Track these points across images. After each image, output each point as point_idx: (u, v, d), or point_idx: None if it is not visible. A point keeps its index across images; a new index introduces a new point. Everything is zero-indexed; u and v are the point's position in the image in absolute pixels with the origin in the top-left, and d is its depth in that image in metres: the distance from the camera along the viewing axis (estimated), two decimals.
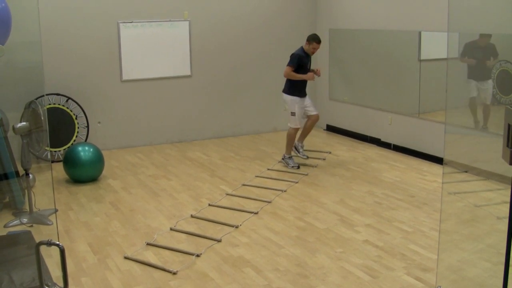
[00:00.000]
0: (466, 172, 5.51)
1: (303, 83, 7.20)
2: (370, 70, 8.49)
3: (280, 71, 9.27)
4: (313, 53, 7.17)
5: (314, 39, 7.08)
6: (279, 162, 7.42)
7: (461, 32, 5.18)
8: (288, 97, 7.19)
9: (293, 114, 7.15)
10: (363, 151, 8.08)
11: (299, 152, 7.39)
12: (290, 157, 7.26)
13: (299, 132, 7.44)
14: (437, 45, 7.42)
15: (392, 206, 5.80)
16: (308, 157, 7.39)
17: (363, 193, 6.23)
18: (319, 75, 7.27)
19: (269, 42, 9.11)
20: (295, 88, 7.18)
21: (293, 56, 7.11)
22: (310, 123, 7.41)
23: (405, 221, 5.36)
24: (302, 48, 7.18)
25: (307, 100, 7.32)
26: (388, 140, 8.18)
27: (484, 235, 4.69)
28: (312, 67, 7.37)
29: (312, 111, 7.34)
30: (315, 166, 7.27)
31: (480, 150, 5.66)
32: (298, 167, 7.13)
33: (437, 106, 7.52)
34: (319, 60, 9.42)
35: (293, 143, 7.29)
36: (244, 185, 6.54)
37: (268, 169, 7.17)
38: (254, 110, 9.23)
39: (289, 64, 7.10)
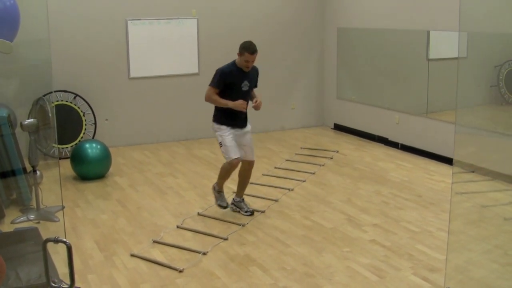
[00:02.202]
0: (473, 172, 5.48)
1: (237, 111, 5.33)
2: (378, 69, 8.46)
3: (288, 70, 9.33)
4: (247, 67, 5.28)
5: (246, 49, 5.19)
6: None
7: (471, 31, 5.15)
8: (214, 126, 5.43)
9: (220, 145, 5.38)
10: (371, 150, 8.05)
11: (241, 210, 5.58)
12: (221, 191, 5.63)
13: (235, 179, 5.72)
14: (445, 45, 7.38)
15: (400, 206, 5.77)
16: (253, 213, 5.57)
17: (370, 192, 6.20)
18: (257, 109, 5.42)
19: (276, 40, 9.08)
20: (224, 114, 5.34)
21: (215, 73, 5.31)
22: (242, 171, 5.59)
23: (412, 221, 5.34)
24: (234, 62, 5.36)
25: (245, 136, 5.46)
26: (395, 139, 8.15)
27: (491, 236, 4.66)
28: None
29: (247, 155, 5.48)
30: (323, 165, 7.25)
31: (488, 150, 5.63)
32: (225, 208, 5.61)
33: (445, 105, 7.49)
34: (326, 59, 9.40)
35: (225, 179, 5.54)
36: (251, 183, 6.49)
37: (276, 168, 7.16)
38: (261, 108, 9.14)
39: (209, 84, 5.32)
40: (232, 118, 5.33)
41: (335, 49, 9.18)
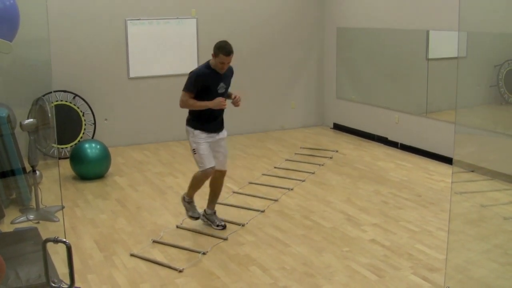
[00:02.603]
0: (473, 171, 5.49)
1: (214, 112, 5.00)
2: (378, 68, 8.46)
3: (287, 69, 9.33)
4: (222, 69, 4.94)
5: (221, 50, 4.85)
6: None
7: (471, 31, 5.16)
8: (188, 130, 5.07)
9: (193, 152, 5.04)
10: (370, 150, 8.05)
11: (213, 223, 5.23)
12: (191, 201, 5.23)
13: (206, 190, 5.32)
14: (445, 44, 7.38)
15: (399, 205, 5.77)
16: (225, 227, 5.21)
17: (370, 192, 6.20)
18: (236, 105, 5.14)
19: (276, 40, 9.08)
20: (199, 118, 5.01)
21: (189, 77, 4.95)
22: (214, 182, 5.22)
23: (412, 221, 5.33)
24: (208, 63, 5.01)
25: (220, 142, 5.14)
26: (395, 139, 8.15)
27: (491, 235, 4.67)
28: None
29: (220, 164, 5.13)
30: (322, 165, 7.24)
31: (487, 150, 5.63)
32: (196, 219, 5.26)
33: (445, 105, 7.49)
34: (326, 59, 9.40)
35: (197, 189, 5.16)
36: (250, 183, 6.53)
37: (275, 167, 7.15)
38: (261, 108, 9.20)
39: (183, 89, 4.94)
40: (208, 121, 5.01)
41: (334, 49, 9.18)
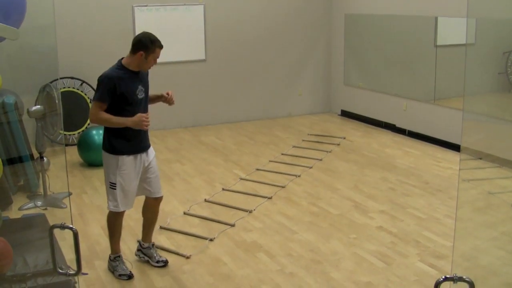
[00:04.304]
0: (480, 159, 5.45)
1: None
2: (386, 55, 8.40)
3: (295, 56, 9.29)
4: (148, 68, 4.01)
5: (157, 42, 3.93)
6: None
7: (479, 17, 5.09)
8: (106, 156, 4.00)
9: (112, 186, 3.98)
10: (378, 137, 8.02)
11: (151, 259, 4.29)
12: (117, 257, 4.20)
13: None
14: (453, 31, 7.31)
15: (407, 192, 5.76)
16: (167, 263, 4.29)
17: (377, 179, 6.19)
18: (171, 102, 4.14)
19: (284, 26, 9.03)
20: (118, 137, 3.94)
21: (99, 82, 3.89)
22: (149, 210, 4.28)
23: (419, 208, 5.32)
24: (120, 63, 3.97)
25: (150, 163, 4.11)
26: (403, 126, 8.12)
27: (498, 223, 4.64)
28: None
29: (153, 191, 4.18)
30: (330, 152, 7.23)
31: (495, 137, 5.59)
32: (130, 277, 4.09)
33: (453, 92, 7.43)
34: (334, 45, 9.33)
35: (117, 235, 4.18)
36: (258, 169, 6.53)
37: (282, 154, 7.14)
38: (268, 95, 9.18)
39: (93, 99, 3.92)
40: (130, 139, 3.94)
41: (342, 35, 9.11)
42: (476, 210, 4.68)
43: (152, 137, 7.85)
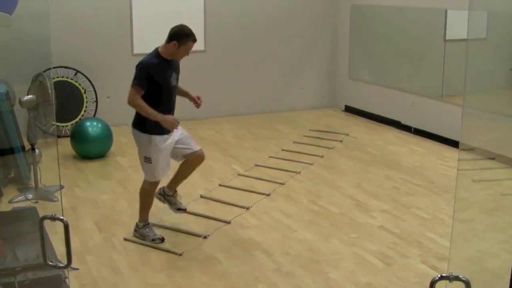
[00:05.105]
0: (493, 159, 5.31)
1: (171, 104, 4.39)
2: (393, 49, 8.25)
3: (298, 48, 9.12)
4: (180, 58, 4.42)
5: (191, 36, 4.30)
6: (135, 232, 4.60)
7: (491, 11, 4.92)
8: (138, 134, 4.34)
9: (147, 160, 4.33)
10: (382, 133, 7.88)
11: (171, 204, 4.71)
12: (146, 225, 4.53)
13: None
14: (464, 25, 7.14)
15: (411, 192, 5.63)
16: (186, 209, 4.81)
17: (381, 177, 6.05)
18: (198, 106, 4.66)
19: (287, 17, 8.86)
20: (150, 119, 4.24)
21: (139, 69, 4.23)
22: (189, 166, 4.61)
23: (423, 208, 5.20)
24: (157, 51, 4.31)
25: (177, 132, 4.44)
26: (408, 123, 7.97)
27: (508, 225, 4.53)
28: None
29: (191, 147, 4.52)
30: (332, 148, 7.08)
31: (508, 137, 5.43)
32: (162, 240, 4.46)
33: (462, 89, 7.26)
34: (339, 37, 9.18)
35: (149, 205, 4.54)
36: (257, 165, 6.39)
37: (283, 150, 7.00)
38: (270, 88, 9.03)
39: (133, 84, 4.20)
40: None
41: (348, 27, 8.95)
42: (485, 211, 4.57)
43: None
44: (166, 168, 4.40)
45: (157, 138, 4.25)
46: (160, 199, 4.71)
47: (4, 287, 3.39)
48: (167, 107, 4.31)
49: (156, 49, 4.31)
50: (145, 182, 4.45)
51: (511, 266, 3.37)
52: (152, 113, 4.16)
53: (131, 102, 4.21)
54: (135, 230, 4.53)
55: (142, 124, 4.27)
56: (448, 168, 6.36)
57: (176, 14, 8.12)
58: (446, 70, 7.30)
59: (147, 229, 4.49)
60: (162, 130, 4.24)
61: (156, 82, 4.18)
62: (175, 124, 4.23)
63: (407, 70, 8.07)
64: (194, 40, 4.30)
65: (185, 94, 4.62)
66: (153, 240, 4.44)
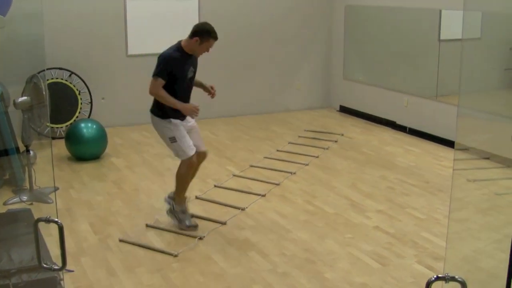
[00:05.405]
0: (488, 159, 5.32)
1: (187, 95, 4.68)
2: (387, 49, 8.25)
3: (293, 49, 9.11)
4: (200, 53, 4.67)
5: (212, 34, 4.53)
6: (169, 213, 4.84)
7: (485, 11, 4.92)
8: (158, 121, 4.64)
9: (172, 140, 4.58)
10: (378, 134, 7.88)
11: (181, 222, 4.77)
12: (185, 210, 4.77)
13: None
14: (458, 25, 7.14)
15: (406, 192, 5.62)
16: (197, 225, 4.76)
17: (376, 177, 6.04)
18: (213, 96, 4.89)
19: (281, 18, 8.86)
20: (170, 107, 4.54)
21: (161, 61, 4.49)
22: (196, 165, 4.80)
23: (419, 208, 5.19)
24: (179, 45, 4.58)
25: (192, 121, 4.76)
26: (403, 123, 7.97)
27: (503, 225, 4.53)
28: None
29: (198, 145, 4.74)
30: (327, 148, 7.07)
31: (502, 136, 5.44)
32: (196, 227, 4.71)
33: (457, 89, 7.27)
34: (333, 38, 9.17)
35: (186, 186, 4.76)
36: (252, 166, 6.38)
37: (278, 150, 6.99)
38: (265, 89, 9.02)
39: (155, 75, 4.46)
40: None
41: (342, 28, 8.95)
42: (480, 211, 4.57)
43: (143, 131, 7.80)
44: (191, 144, 4.60)
45: (174, 121, 4.55)
46: (169, 203, 4.81)
47: None
48: (183, 98, 4.55)
49: (179, 42, 4.56)
50: (180, 165, 4.64)
51: (507, 265, 3.37)
52: (174, 102, 4.45)
53: (154, 93, 4.48)
54: (171, 211, 4.74)
55: (162, 111, 4.56)
56: (443, 168, 6.36)
57: (171, 15, 8.14)
58: (441, 70, 7.31)
59: (185, 215, 4.71)
60: (178, 115, 4.54)
61: (174, 75, 4.44)
62: (195, 112, 4.52)
63: (402, 70, 8.08)
64: (216, 38, 4.52)
65: (200, 85, 4.87)
66: (188, 226, 4.65)
